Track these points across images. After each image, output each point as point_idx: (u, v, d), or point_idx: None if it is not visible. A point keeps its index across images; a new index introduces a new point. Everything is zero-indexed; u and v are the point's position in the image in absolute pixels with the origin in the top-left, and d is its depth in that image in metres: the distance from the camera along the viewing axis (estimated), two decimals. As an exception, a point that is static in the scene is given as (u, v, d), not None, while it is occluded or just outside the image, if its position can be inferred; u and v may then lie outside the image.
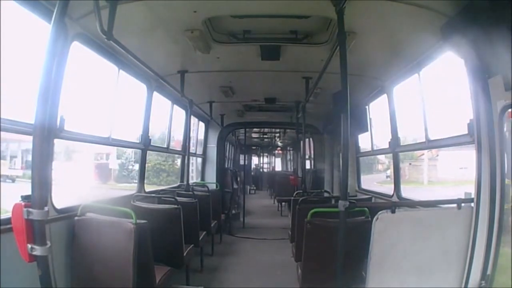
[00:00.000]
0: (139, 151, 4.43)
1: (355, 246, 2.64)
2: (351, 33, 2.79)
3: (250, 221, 8.07)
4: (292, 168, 16.58)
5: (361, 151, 5.73)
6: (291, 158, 16.48)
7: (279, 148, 17.74)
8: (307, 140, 11.18)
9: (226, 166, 9.42)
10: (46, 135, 1.97)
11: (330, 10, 2.29)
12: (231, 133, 8.59)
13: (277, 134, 13.07)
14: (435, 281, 2.48)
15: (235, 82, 4.76)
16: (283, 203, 10.01)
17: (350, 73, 2.27)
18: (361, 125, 4.84)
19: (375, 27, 2.82)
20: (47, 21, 2.17)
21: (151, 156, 7.20)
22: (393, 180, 4.31)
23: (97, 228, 2.63)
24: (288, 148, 16.55)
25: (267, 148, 17.64)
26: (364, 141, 5.42)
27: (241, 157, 14.38)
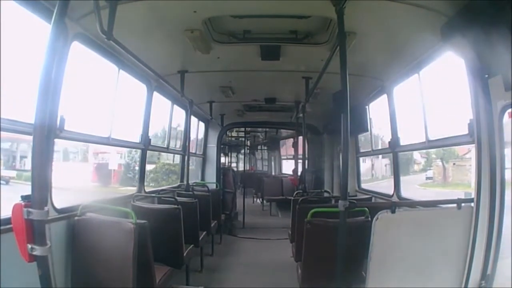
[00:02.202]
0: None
1: (355, 246, 2.64)
2: (351, 33, 2.79)
3: (247, 220, 8.06)
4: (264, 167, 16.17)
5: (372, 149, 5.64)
6: (262, 157, 16.06)
7: (247, 148, 17.33)
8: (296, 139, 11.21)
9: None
10: (46, 135, 1.97)
11: (330, 10, 2.29)
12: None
13: (248, 134, 12.88)
14: (435, 281, 2.48)
15: (235, 82, 4.76)
16: (265, 203, 10.13)
17: (350, 73, 2.27)
18: (361, 125, 4.85)
19: (375, 27, 2.82)
20: (47, 21, 2.17)
21: (160, 155, 7.14)
22: (393, 180, 4.32)
23: (97, 228, 2.63)
24: (261, 147, 16.21)
25: (236, 148, 17.36)
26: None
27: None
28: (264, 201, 10.20)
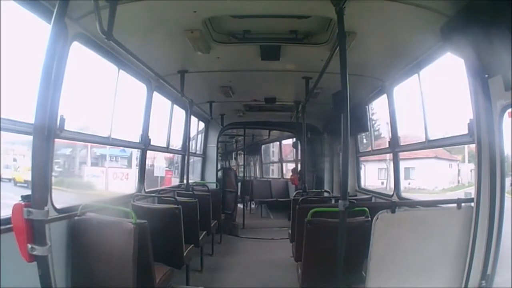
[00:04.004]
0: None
1: (355, 246, 2.64)
2: (351, 33, 2.79)
3: (244, 221, 8.07)
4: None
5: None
6: (238, 163, 15.72)
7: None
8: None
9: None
10: (46, 135, 1.97)
11: (330, 10, 2.29)
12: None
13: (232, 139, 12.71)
14: (435, 281, 2.48)
15: (235, 82, 4.76)
16: (253, 206, 10.15)
17: (350, 73, 2.27)
18: (361, 125, 4.85)
19: (375, 27, 2.82)
20: (47, 21, 2.17)
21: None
22: (393, 180, 4.32)
23: (97, 228, 2.63)
24: (237, 153, 15.63)
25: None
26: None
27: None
28: (252, 204, 10.21)
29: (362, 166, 6.48)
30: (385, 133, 5.03)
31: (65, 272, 2.57)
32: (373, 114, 5.20)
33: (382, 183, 7.13)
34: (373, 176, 7.26)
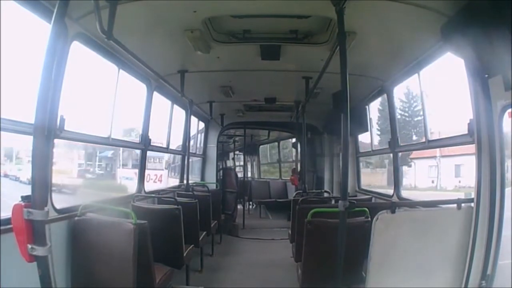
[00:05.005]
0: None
1: (355, 246, 2.64)
2: (351, 33, 2.79)
3: (244, 222, 8.08)
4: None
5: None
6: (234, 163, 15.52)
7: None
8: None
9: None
10: (46, 135, 1.97)
11: (330, 10, 2.29)
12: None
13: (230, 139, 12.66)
14: (435, 281, 2.48)
15: (235, 82, 4.76)
16: (251, 206, 10.20)
17: (350, 73, 2.26)
18: (361, 125, 4.85)
19: (375, 27, 2.82)
20: (47, 21, 2.17)
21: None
22: (393, 180, 4.32)
23: (97, 228, 2.63)
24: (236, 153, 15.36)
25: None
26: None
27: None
28: (251, 205, 10.20)
29: (413, 164, 6.22)
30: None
31: (65, 272, 2.57)
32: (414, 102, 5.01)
33: (433, 181, 6.96)
34: (422, 174, 6.89)
